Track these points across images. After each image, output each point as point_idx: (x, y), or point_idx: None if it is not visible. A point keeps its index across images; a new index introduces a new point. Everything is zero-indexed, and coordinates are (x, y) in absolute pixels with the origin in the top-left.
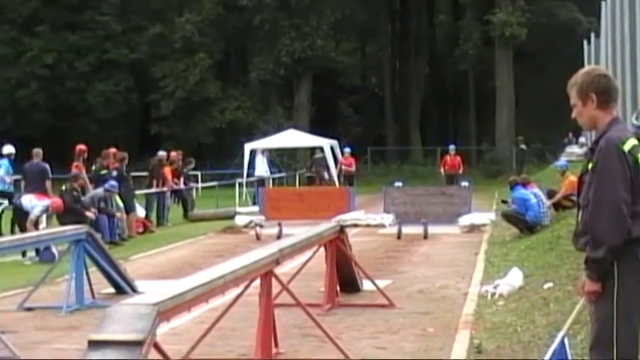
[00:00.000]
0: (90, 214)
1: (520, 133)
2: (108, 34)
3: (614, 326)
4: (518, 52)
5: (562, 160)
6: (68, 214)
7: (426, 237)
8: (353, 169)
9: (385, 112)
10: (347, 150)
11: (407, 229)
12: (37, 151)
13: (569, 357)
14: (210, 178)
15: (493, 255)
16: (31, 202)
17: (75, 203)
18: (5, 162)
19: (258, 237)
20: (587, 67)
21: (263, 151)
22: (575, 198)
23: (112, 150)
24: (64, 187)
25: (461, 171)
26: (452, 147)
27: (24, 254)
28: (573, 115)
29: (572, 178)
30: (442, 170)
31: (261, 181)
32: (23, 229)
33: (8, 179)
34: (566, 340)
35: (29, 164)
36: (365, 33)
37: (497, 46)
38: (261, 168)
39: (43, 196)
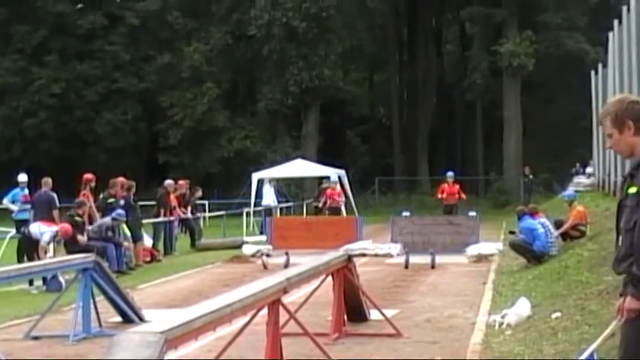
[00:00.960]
0: (81, 239)
1: (528, 163)
2: (116, 64)
3: None
4: (525, 83)
5: (570, 190)
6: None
7: (433, 267)
8: (341, 200)
9: (393, 142)
10: (333, 179)
11: (414, 259)
12: (46, 180)
13: None
14: (217, 208)
15: (501, 285)
16: (40, 229)
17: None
18: (18, 191)
19: (265, 266)
20: (617, 96)
21: (270, 181)
22: (583, 228)
23: (120, 179)
24: (68, 214)
25: (461, 198)
26: (450, 174)
27: (31, 283)
28: (609, 144)
29: (580, 208)
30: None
31: (269, 211)
32: (31, 258)
33: (15, 208)
34: (595, 355)
35: (38, 193)
36: (373, 63)
37: (505, 76)
38: (269, 197)
39: (51, 223)
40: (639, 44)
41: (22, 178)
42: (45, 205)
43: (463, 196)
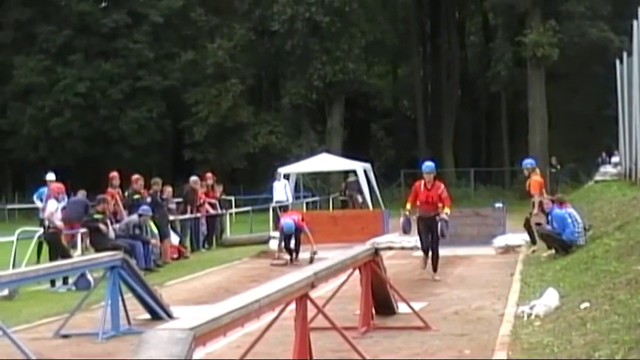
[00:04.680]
0: (103, 228)
1: (553, 154)
2: (140, 62)
3: None
4: (550, 73)
5: (529, 159)
6: (96, 241)
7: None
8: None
9: (418, 135)
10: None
11: (442, 252)
12: (82, 192)
13: None
14: (243, 203)
15: (529, 275)
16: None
17: (96, 227)
18: (44, 189)
19: (291, 261)
20: None
21: (285, 176)
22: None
23: (138, 176)
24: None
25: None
26: (427, 167)
27: (53, 283)
28: None
29: (537, 178)
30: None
31: (284, 207)
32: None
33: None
34: None
35: (72, 199)
36: (396, 56)
37: (529, 66)
38: (281, 193)
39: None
40: None
41: (50, 177)
42: (79, 205)
43: (447, 210)
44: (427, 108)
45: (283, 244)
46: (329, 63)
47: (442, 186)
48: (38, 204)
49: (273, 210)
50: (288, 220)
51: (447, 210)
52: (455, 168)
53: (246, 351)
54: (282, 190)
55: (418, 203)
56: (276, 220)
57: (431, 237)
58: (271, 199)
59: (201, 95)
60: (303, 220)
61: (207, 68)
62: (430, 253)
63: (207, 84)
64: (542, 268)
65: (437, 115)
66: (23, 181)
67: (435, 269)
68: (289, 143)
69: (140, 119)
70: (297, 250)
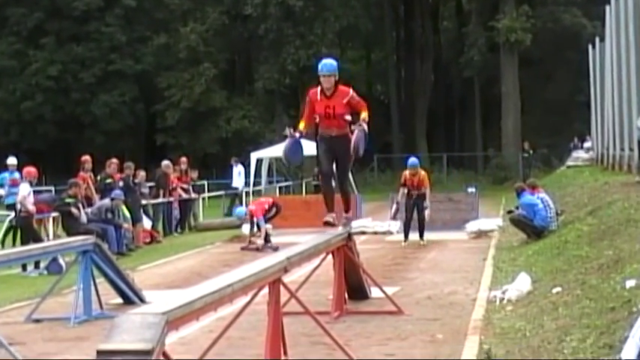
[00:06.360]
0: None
1: (526, 139)
2: (113, 45)
3: None
4: (523, 58)
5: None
6: (68, 225)
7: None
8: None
9: (391, 120)
10: None
11: (414, 236)
12: None
13: None
14: (217, 188)
15: (501, 260)
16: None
17: (68, 212)
18: (6, 175)
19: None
20: None
21: (237, 162)
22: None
23: (114, 160)
24: (59, 198)
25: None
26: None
27: (24, 268)
28: None
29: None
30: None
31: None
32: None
33: (2, 192)
34: None
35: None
36: (370, 41)
37: (502, 52)
38: (238, 179)
39: None
40: (636, 17)
41: (12, 161)
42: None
43: (364, 114)
44: (400, 93)
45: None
46: (302, 47)
47: (350, 91)
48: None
49: (227, 196)
50: (241, 209)
51: (364, 115)
52: (428, 153)
53: (219, 335)
54: (237, 177)
55: (317, 119)
56: (231, 207)
57: (335, 162)
58: (246, 184)
59: (174, 79)
60: (274, 204)
61: (180, 52)
62: (335, 184)
63: (180, 68)
64: (515, 252)
65: (410, 100)
66: None
67: (345, 209)
68: (263, 128)
69: (112, 103)
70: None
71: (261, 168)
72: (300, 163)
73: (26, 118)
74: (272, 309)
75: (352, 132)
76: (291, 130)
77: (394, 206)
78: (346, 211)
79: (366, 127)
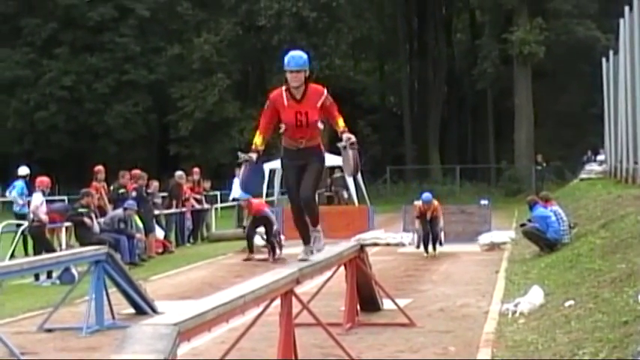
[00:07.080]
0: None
1: (539, 151)
2: (127, 56)
3: None
4: (536, 71)
5: (426, 194)
6: (81, 235)
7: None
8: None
9: (404, 131)
10: None
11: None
12: None
13: None
14: (229, 198)
15: (513, 273)
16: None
17: (81, 221)
18: (20, 183)
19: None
20: None
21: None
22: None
23: (134, 171)
24: (72, 208)
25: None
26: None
27: (37, 277)
28: None
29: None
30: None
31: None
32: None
33: (21, 201)
34: None
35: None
36: (383, 52)
37: (515, 64)
38: (237, 189)
39: None
40: None
41: (24, 171)
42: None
43: (341, 123)
44: (413, 105)
45: (260, 237)
46: (315, 59)
47: (325, 91)
48: (18, 200)
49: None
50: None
51: (342, 123)
52: (441, 165)
53: (231, 346)
54: (237, 187)
55: (283, 129)
56: (239, 218)
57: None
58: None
59: (188, 90)
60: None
61: (194, 63)
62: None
63: (194, 78)
64: (527, 265)
65: (423, 112)
66: (7, 175)
67: (312, 223)
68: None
69: (126, 113)
70: (278, 245)
71: (274, 179)
72: (260, 191)
73: (40, 128)
74: (284, 320)
75: (339, 152)
76: (246, 156)
77: (415, 236)
78: (314, 225)
79: (356, 142)
